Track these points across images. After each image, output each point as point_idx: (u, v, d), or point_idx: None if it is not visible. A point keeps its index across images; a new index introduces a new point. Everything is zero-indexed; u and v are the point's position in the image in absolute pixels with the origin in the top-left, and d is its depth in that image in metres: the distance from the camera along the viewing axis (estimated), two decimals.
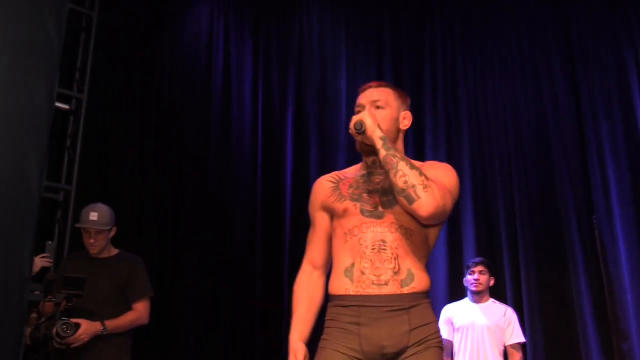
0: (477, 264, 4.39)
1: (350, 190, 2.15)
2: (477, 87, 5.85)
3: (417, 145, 5.70)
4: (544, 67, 5.73)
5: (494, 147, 5.66)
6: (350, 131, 2.12)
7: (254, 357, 5.26)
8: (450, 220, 5.40)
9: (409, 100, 2.28)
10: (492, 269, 4.54)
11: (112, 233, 3.51)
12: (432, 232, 2.17)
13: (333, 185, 2.21)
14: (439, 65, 5.93)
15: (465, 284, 4.44)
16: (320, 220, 2.23)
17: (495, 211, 5.49)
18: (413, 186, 1.94)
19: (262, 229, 5.58)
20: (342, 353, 2.00)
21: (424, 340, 2.00)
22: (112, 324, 3.26)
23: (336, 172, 2.29)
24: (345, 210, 2.12)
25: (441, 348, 2.07)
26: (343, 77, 5.97)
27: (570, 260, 5.22)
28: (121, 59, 5.39)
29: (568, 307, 5.17)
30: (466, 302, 4.41)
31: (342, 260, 2.09)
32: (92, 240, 3.41)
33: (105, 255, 3.48)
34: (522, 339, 4.31)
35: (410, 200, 1.94)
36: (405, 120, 2.22)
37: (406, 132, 2.26)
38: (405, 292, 2.02)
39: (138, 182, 5.26)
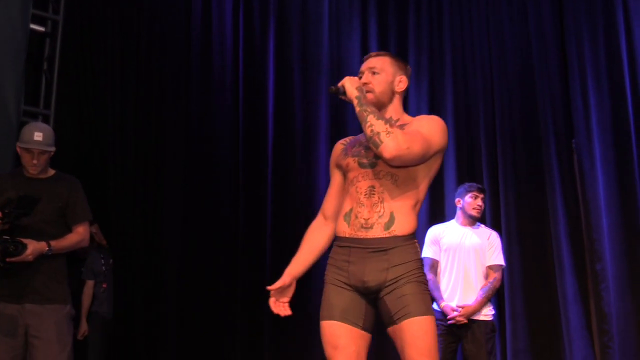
0: (482, 190, 4.39)
1: (354, 149, 2.51)
2: (463, 11, 5.78)
3: None
4: None
5: (478, 70, 5.66)
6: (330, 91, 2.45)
7: (234, 315, 5.32)
8: None
9: (409, 69, 2.58)
10: None
11: (52, 153, 3.39)
12: (421, 178, 2.43)
13: (343, 147, 2.59)
14: None
15: (460, 205, 4.36)
16: (334, 177, 2.61)
17: (477, 134, 5.53)
18: (378, 133, 2.27)
19: (244, 157, 5.51)
20: (337, 286, 2.41)
21: (401, 276, 2.31)
22: (58, 244, 3.22)
23: (350, 137, 2.67)
24: (347, 165, 2.49)
25: (423, 282, 2.35)
26: (325, 2, 5.85)
27: (548, 183, 5.32)
28: None
29: (545, 229, 5.30)
30: (453, 224, 4.42)
31: (344, 206, 2.47)
32: (35, 161, 3.28)
33: (43, 175, 3.36)
34: (502, 262, 4.39)
35: (376, 145, 2.27)
36: (401, 84, 2.51)
37: (404, 94, 2.54)
38: (386, 235, 2.35)
39: (118, 105, 5.19)
